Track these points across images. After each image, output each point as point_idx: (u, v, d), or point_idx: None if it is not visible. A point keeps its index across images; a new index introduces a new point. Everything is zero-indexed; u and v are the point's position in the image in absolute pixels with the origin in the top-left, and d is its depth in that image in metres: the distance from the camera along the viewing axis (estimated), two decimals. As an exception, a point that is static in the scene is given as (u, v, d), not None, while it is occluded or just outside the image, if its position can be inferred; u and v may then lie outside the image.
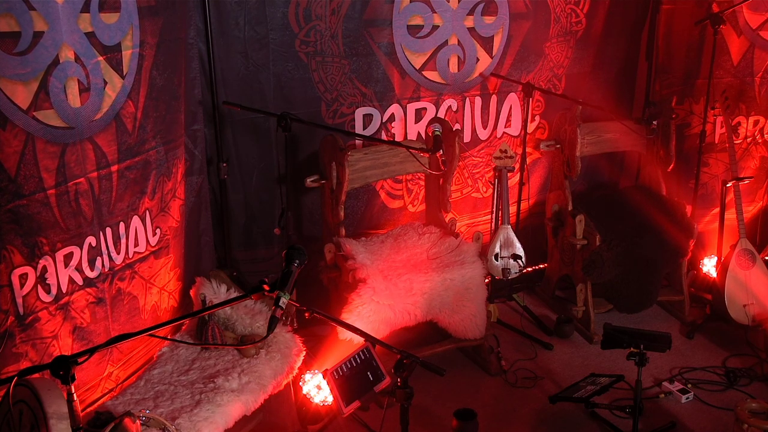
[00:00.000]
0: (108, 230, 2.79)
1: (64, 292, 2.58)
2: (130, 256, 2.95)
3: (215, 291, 3.15)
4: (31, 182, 2.40)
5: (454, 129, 3.69)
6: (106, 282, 2.80)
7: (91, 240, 2.68)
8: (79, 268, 2.65)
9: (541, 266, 4.59)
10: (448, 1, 3.90)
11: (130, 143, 2.85)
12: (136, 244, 2.97)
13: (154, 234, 3.09)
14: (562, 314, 4.16)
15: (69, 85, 2.49)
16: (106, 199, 2.76)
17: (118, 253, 2.87)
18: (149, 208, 3.03)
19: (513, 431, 3.30)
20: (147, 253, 3.05)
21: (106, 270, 2.80)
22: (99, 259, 2.74)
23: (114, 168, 2.77)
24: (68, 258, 2.59)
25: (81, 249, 2.64)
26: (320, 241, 3.71)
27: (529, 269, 4.51)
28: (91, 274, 2.71)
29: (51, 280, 2.52)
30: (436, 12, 3.89)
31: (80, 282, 2.67)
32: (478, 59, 4.08)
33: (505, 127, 4.31)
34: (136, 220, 2.95)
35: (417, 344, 3.57)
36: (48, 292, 2.51)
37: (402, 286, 3.35)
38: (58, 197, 2.50)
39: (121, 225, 2.87)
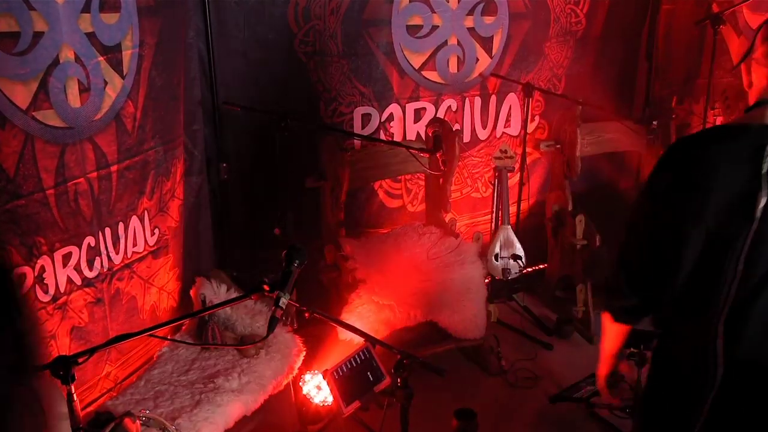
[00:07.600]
0: (107, 230, 2.79)
1: (62, 291, 2.58)
2: (129, 256, 2.94)
3: (215, 291, 3.15)
4: (30, 182, 2.39)
5: (454, 129, 3.69)
6: (104, 282, 2.80)
7: (90, 240, 2.68)
8: (77, 268, 2.64)
9: (541, 266, 4.58)
10: (448, 1, 3.90)
11: (129, 143, 2.84)
12: (134, 244, 2.97)
13: (153, 234, 3.08)
14: (562, 314, 4.16)
15: (69, 85, 2.48)
16: (106, 199, 2.76)
17: (117, 253, 2.86)
18: (147, 208, 3.02)
19: (513, 431, 3.29)
20: (145, 253, 3.05)
21: (105, 270, 2.79)
22: (98, 259, 2.74)
23: (114, 168, 2.77)
24: (67, 258, 2.58)
25: (80, 249, 2.64)
26: (320, 241, 3.71)
27: (529, 269, 4.51)
28: (89, 274, 2.70)
29: (48, 279, 2.51)
30: (435, 12, 3.89)
31: (79, 282, 2.66)
32: (477, 59, 4.08)
33: (504, 127, 4.31)
34: (134, 221, 2.94)
35: (417, 344, 3.55)
36: (45, 291, 2.51)
37: (402, 286, 3.34)
38: (57, 197, 2.49)
39: (120, 225, 2.86)
